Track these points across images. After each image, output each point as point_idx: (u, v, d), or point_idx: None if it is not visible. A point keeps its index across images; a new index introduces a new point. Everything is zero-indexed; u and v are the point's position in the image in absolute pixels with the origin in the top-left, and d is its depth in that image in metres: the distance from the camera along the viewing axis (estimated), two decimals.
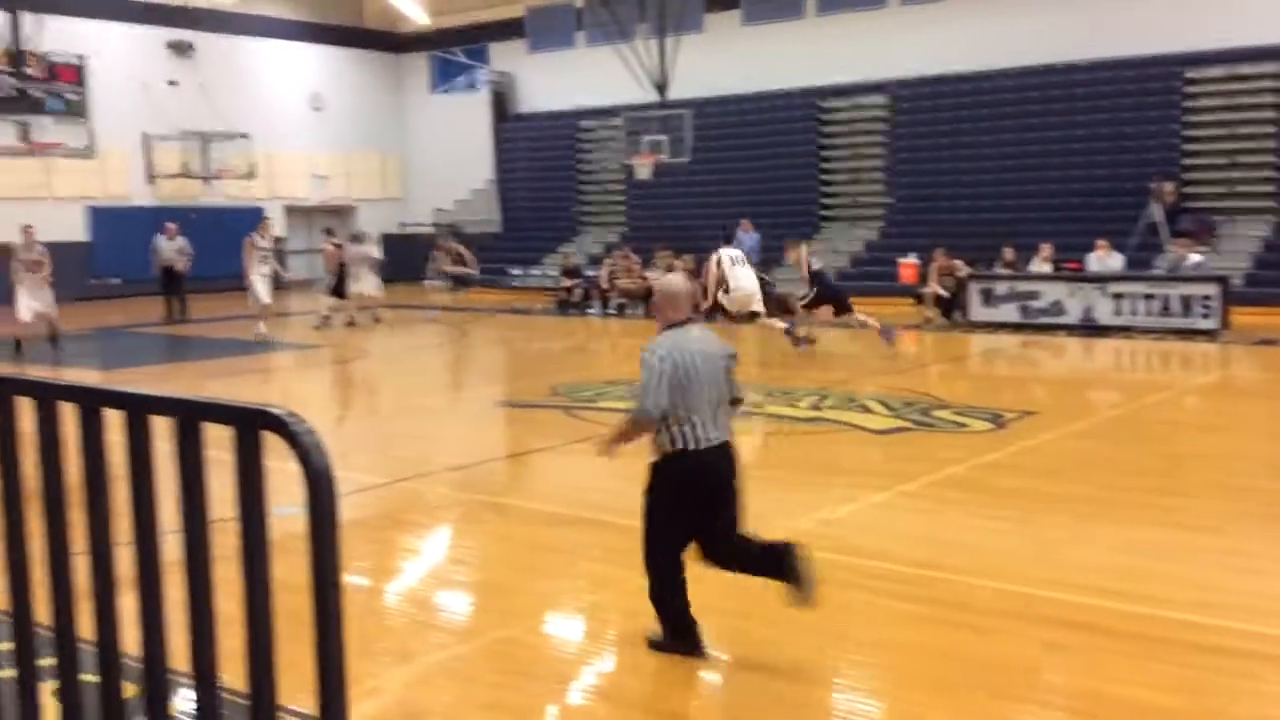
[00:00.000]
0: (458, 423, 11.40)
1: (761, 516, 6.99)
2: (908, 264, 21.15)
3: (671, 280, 5.03)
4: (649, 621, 5.27)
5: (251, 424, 1.78)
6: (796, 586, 4.71)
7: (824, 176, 25.65)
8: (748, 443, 9.50)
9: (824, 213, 25.51)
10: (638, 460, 9.16)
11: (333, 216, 31.20)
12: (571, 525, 7.01)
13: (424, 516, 7.52)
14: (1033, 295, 17.84)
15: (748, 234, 20.71)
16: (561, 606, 5.59)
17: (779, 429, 10.04)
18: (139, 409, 1.93)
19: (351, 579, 5.19)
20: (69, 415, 2.17)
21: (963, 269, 18.53)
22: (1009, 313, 17.95)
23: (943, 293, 18.48)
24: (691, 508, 4.77)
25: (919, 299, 19.23)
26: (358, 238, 21.17)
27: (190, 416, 1.89)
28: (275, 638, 2.07)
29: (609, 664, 4.94)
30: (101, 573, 2.13)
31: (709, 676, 4.76)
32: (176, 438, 1.92)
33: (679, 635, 4.79)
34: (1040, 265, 18.67)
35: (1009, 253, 18.81)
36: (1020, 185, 22.69)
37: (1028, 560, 6.07)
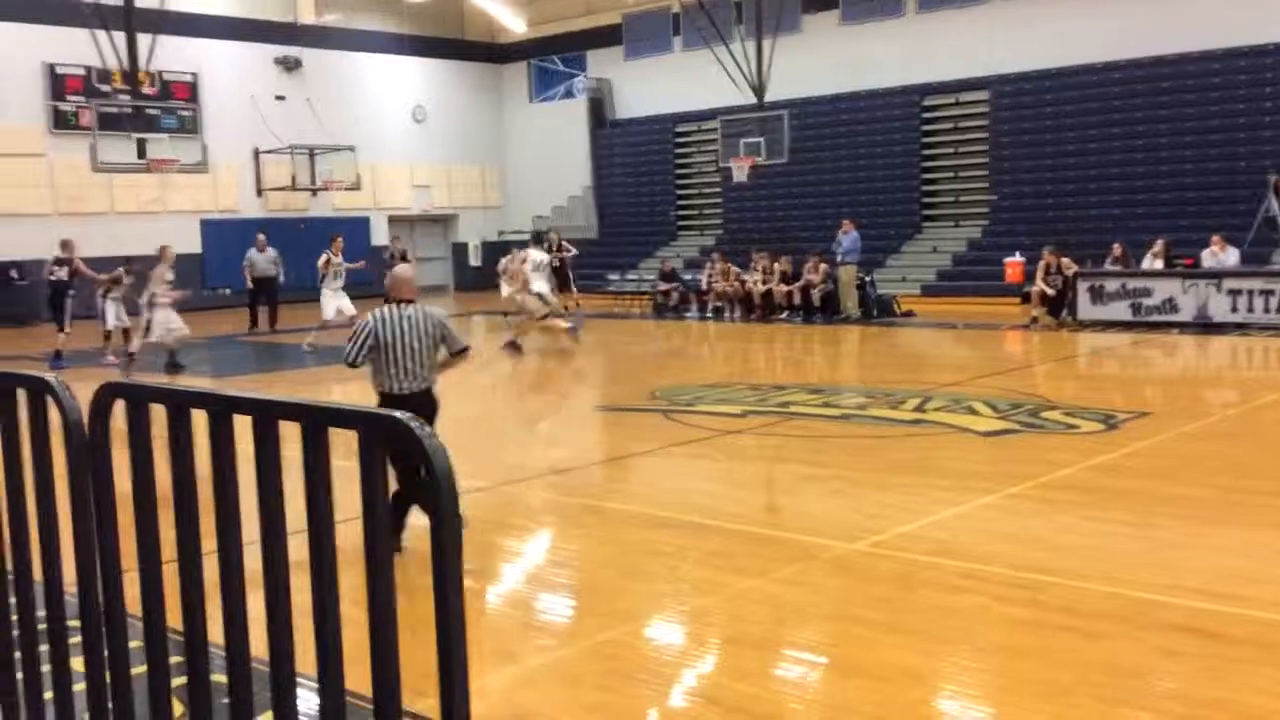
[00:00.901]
0: (558, 427, 11.52)
1: (866, 519, 6.94)
2: (1013, 262, 20.70)
3: (400, 269, 6.85)
4: (753, 625, 5.26)
5: (376, 429, 1.83)
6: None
7: (926, 175, 25.28)
8: (851, 444, 9.43)
9: (926, 211, 25.16)
10: (741, 465, 9.15)
11: (434, 225, 31.77)
12: (673, 528, 7.02)
13: (526, 520, 7.61)
14: (1144, 293, 17.34)
15: (848, 234, 20.47)
16: (664, 609, 5.60)
17: (881, 432, 9.92)
18: (268, 414, 1.99)
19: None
20: (178, 421, 2.26)
21: (1071, 266, 18.08)
22: (1119, 311, 17.47)
23: (1050, 291, 18.05)
24: None
25: (1025, 298, 18.81)
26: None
27: (317, 422, 1.95)
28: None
29: (713, 666, 4.93)
30: (229, 574, 2.20)
31: (814, 679, 4.73)
32: (303, 442, 1.98)
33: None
34: (1152, 262, 18.11)
35: (1118, 249, 18.29)
36: (1129, 180, 22.07)
37: (1141, 564, 5.90)
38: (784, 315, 20.86)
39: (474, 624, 5.44)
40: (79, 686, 2.81)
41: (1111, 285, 17.68)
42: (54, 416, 2.61)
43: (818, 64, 25.88)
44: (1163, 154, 21.80)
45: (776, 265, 21.38)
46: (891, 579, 5.82)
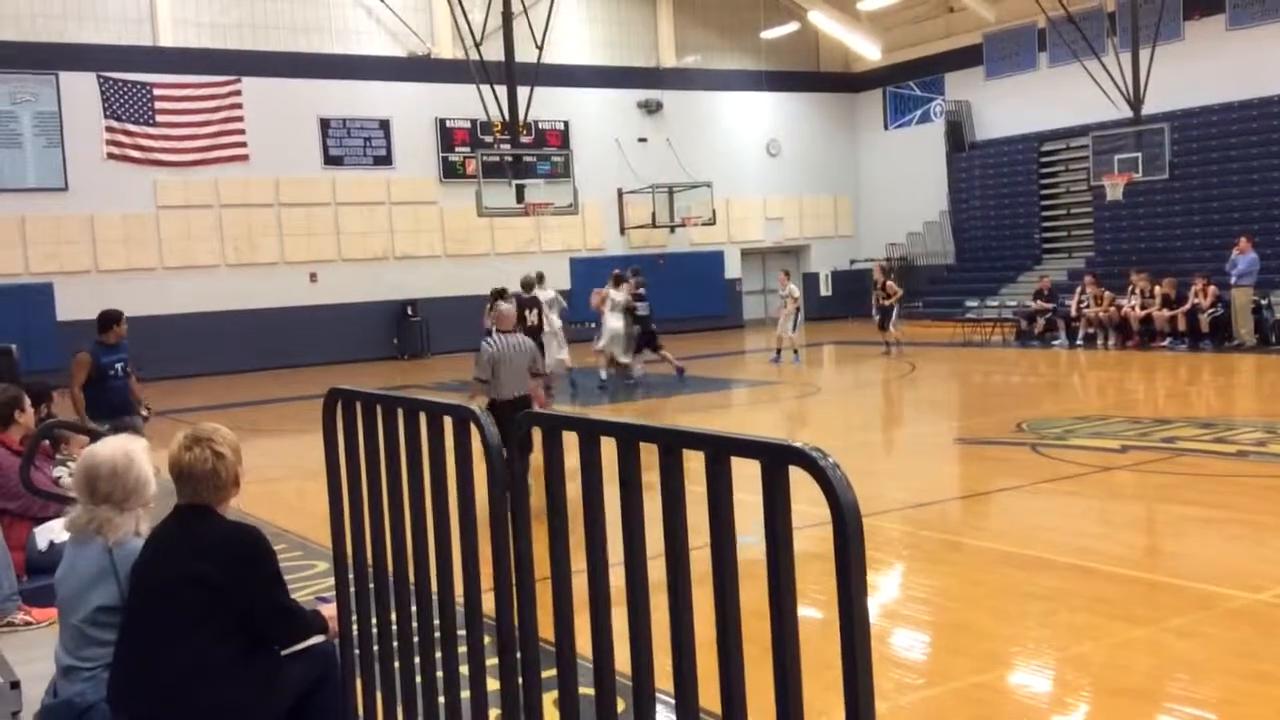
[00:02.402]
0: (914, 459, 11.23)
1: (1272, 567, 6.26)
2: None
3: (505, 306, 9.57)
4: (1140, 676, 4.90)
5: (780, 459, 1.88)
6: None
7: None
8: (1250, 484, 8.56)
9: None
10: (1122, 504, 8.55)
11: (786, 257, 32.08)
12: (1045, 569, 6.65)
13: (883, 553, 7.45)
14: None
15: (1244, 254, 18.69)
16: (1040, 655, 5.31)
17: None
18: (673, 443, 2.10)
19: (812, 611, 5.27)
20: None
21: None
22: None
23: None
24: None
25: None
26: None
27: (720, 451, 2.02)
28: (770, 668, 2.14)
29: (1093, 719, 4.61)
30: (634, 591, 2.30)
31: None
32: (707, 470, 2.06)
33: None
34: None
35: None
36: None
37: None
38: (1165, 342, 19.33)
39: (831, 654, 5.38)
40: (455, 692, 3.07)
41: None
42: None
43: (1202, 72, 23.90)
44: None
45: (1157, 288, 19.87)
46: None
